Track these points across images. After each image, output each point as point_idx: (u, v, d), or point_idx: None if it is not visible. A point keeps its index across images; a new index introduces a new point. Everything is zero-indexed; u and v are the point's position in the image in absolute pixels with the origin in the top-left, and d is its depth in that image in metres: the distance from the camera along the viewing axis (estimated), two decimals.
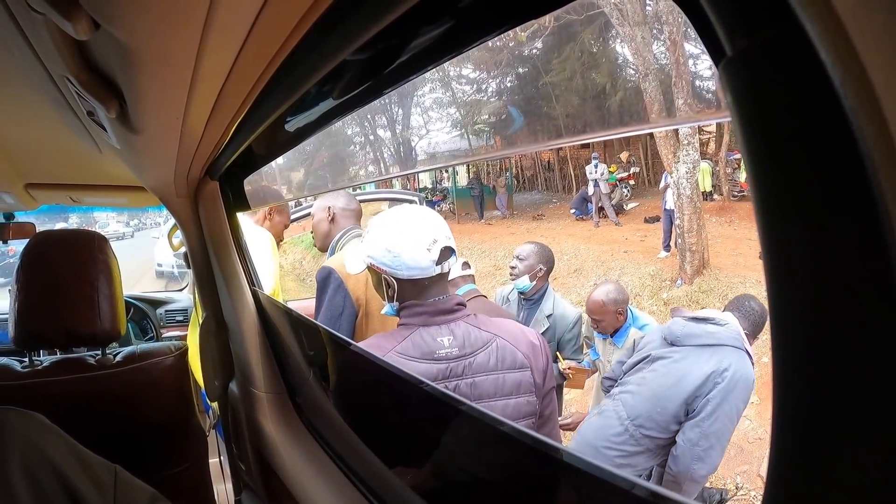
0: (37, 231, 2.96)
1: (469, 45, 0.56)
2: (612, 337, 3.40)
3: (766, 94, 0.27)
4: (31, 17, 0.54)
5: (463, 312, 1.68)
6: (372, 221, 1.74)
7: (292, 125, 1.01)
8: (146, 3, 0.47)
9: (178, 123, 0.88)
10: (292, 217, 3.98)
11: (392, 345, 1.60)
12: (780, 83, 0.26)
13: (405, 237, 1.62)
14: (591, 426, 2.60)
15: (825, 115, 0.23)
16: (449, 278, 2.96)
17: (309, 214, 3.98)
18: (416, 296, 1.67)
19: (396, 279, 1.66)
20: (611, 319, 3.30)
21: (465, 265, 3.16)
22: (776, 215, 0.27)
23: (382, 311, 1.76)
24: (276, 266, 2.60)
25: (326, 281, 2.38)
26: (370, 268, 1.72)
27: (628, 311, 3.37)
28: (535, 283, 3.37)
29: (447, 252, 1.67)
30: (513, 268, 3.48)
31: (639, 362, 2.61)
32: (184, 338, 3.21)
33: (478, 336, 1.64)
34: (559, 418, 3.20)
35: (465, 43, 0.56)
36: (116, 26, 0.51)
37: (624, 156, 18.05)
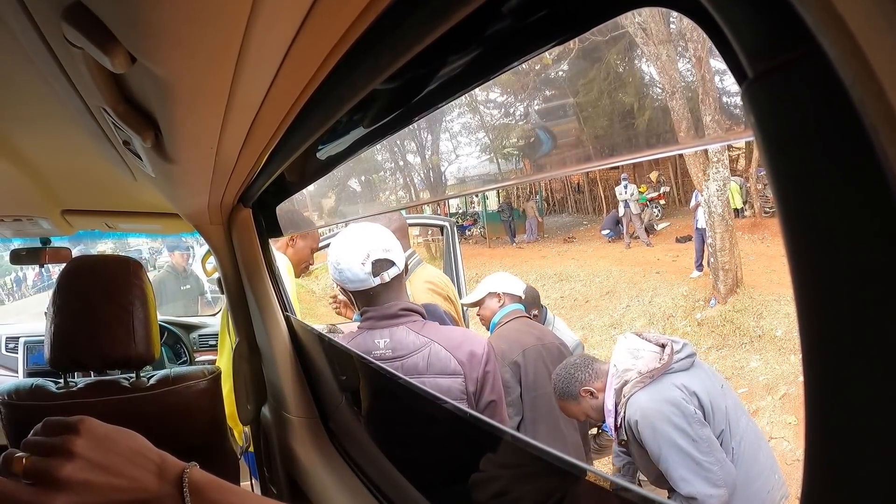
0: (72, 256, 3.01)
1: (496, 72, 0.56)
2: None
3: (787, 115, 0.27)
4: (69, 52, 0.55)
5: (409, 318, 1.84)
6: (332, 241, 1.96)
7: (323, 153, 1.02)
8: (181, 38, 0.48)
9: (212, 153, 0.89)
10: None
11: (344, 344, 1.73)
12: (800, 104, 0.26)
13: (344, 254, 1.83)
14: None
15: (846, 134, 0.24)
16: (488, 292, 2.92)
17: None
18: (367, 304, 1.87)
19: (349, 291, 1.87)
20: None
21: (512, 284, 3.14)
22: (801, 233, 0.28)
23: (353, 318, 2.05)
24: (293, 290, 2.60)
25: None
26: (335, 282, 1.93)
27: None
28: None
29: (383, 264, 1.83)
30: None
31: None
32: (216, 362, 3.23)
33: (413, 340, 1.80)
34: None
35: (492, 70, 0.57)
36: (152, 60, 0.52)
37: (653, 175, 17.92)
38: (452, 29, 0.46)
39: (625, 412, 2.25)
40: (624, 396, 2.25)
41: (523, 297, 3.17)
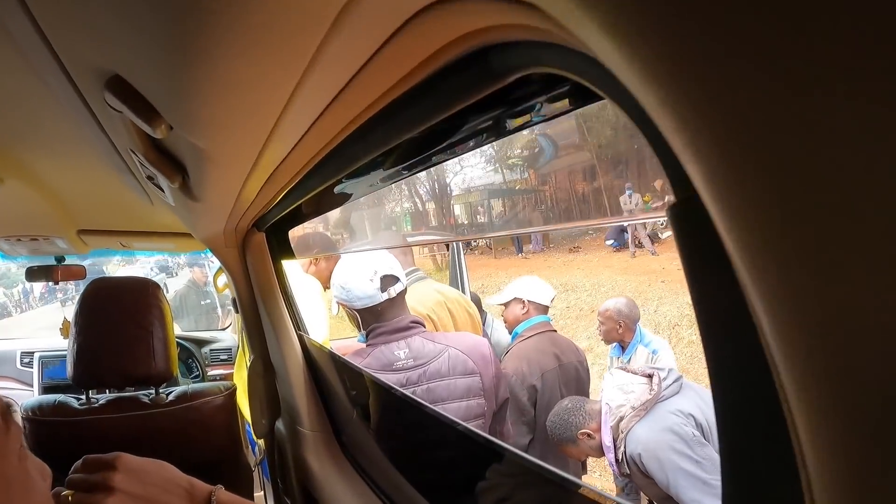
0: (85, 275, 3.05)
1: (501, 136, 0.61)
2: (622, 354, 3.59)
3: (692, 243, 0.32)
4: (107, 112, 0.59)
5: (418, 329, 1.97)
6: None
7: (340, 189, 1.07)
8: (218, 115, 0.52)
9: (234, 194, 0.93)
10: None
11: (359, 361, 1.86)
12: (696, 237, 0.31)
13: (351, 275, 1.96)
14: None
15: (723, 273, 0.27)
16: (513, 296, 2.94)
17: None
18: (375, 321, 1.96)
19: (356, 309, 1.97)
20: (610, 326, 3.53)
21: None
22: (716, 340, 0.35)
23: (357, 340, 2.12)
24: (327, 312, 2.61)
25: None
26: (339, 304, 2.05)
27: (637, 329, 3.55)
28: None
29: (389, 280, 1.95)
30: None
31: None
32: (229, 376, 3.27)
33: (431, 348, 1.92)
34: None
35: (498, 135, 0.61)
36: (189, 130, 0.56)
37: (658, 184, 17.82)
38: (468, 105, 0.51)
39: (625, 447, 2.28)
40: (622, 432, 2.28)
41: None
